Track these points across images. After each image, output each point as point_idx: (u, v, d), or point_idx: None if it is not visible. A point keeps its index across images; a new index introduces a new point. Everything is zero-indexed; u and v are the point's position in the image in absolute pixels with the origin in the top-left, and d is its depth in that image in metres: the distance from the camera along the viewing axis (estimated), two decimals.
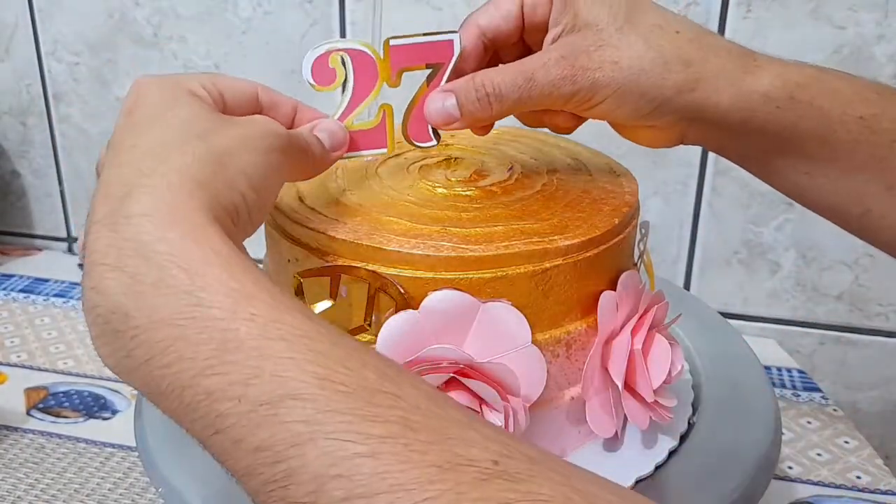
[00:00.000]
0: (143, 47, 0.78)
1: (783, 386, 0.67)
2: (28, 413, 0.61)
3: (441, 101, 0.40)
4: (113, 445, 0.58)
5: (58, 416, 0.61)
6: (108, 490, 0.54)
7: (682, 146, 0.43)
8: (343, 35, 0.74)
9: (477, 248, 0.37)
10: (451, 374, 0.36)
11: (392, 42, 0.40)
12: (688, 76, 0.39)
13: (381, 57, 0.40)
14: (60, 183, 0.86)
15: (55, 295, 0.78)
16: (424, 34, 0.40)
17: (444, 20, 0.71)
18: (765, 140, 0.41)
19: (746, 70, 0.39)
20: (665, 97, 0.39)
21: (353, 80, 0.40)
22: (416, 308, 0.37)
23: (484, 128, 0.43)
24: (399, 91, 0.41)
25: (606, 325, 0.39)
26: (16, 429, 0.59)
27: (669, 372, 0.41)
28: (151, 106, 0.32)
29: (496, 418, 0.36)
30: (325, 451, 0.23)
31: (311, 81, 0.40)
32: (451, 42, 0.40)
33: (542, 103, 0.40)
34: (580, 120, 0.43)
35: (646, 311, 0.41)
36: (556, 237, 0.39)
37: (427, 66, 0.41)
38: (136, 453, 0.49)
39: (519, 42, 0.43)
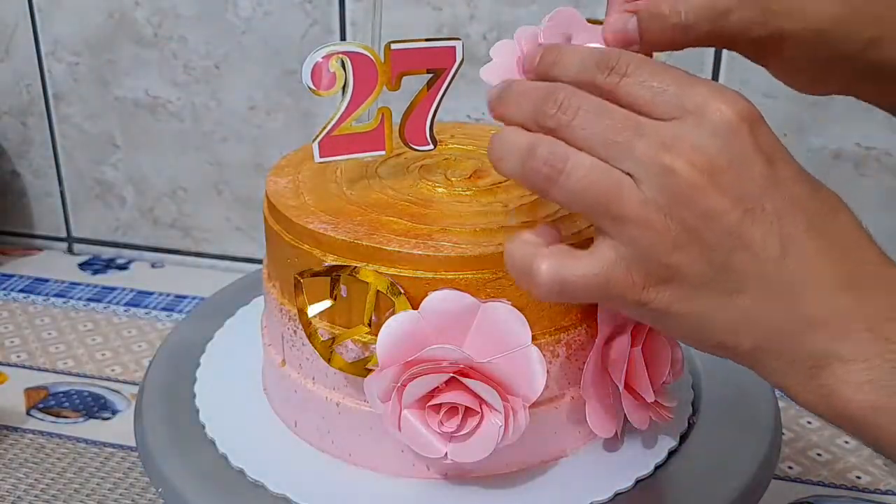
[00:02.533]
0: (143, 47, 0.78)
1: None
2: (28, 413, 0.61)
3: (622, 23, 0.37)
4: (113, 445, 0.58)
5: (58, 416, 0.61)
6: (108, 490, 0.54)
7: None
8: (343, 35, 0.74)
9: (477, 248, 0.37)
10: (451, 374, 0.36)
11: (394, 46, 0.40)
12: (876, 32, 0.37)
13: (382, 60, 0.40)
14: (60, 183, 0.86)
15: (55, 295, 0.78)
16: (427, 39, 0.40)
17: (445, 20, 0.71)
18: None
19: None
20: (849, 53, 0.37)
21: (352, 83, 0.40)
22: (416, 308, 0.37)
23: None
24: (398, 94, 0.41)
25: (606, 325, 0.39)
26: (16, 429, 0.59)
27: (669, 372, 0.41)
28: None
29: (496, 418, 0.36)
30: None
31: (311, 86, 0.40)
32: (453, 49, 0.40)
33: (725, 44, 0.37)
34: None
35: None
36: None
37: (428, 72, 0.41)
38: (136, 453, 0.49)
39: None
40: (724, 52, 0.67)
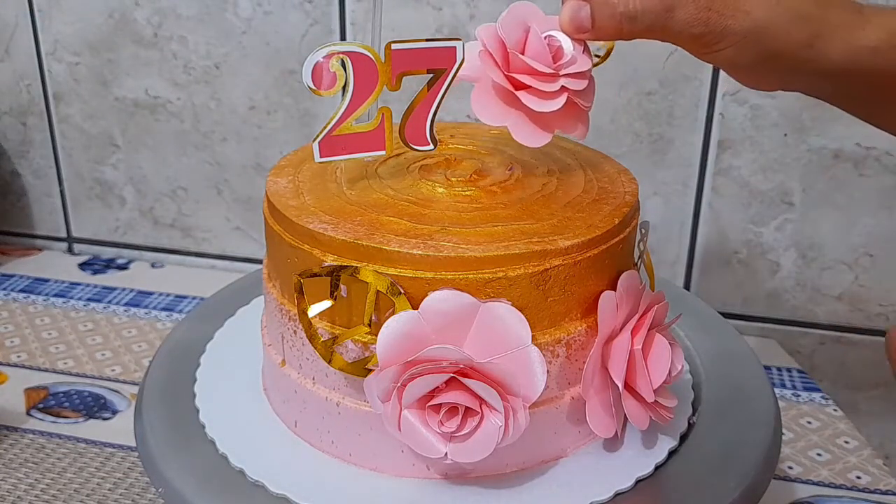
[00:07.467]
0: (143, 47, 0.78)
1: (783, 386, 0.67)
2: (28, 413, 0.61)
3: (577, 10, 0.40)
4: (113, 445, 0.58)
5: (58, 416, 0.61)
6: (108, 490, 0.54)
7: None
8: (343, 35, 0.74)
9: (477, 248, 0.37)
10: (451, 374, 0.36)
11: (394, 46, 0.40)
12: (808, 32, 0.39)
13: (382, 60, 0.40)
14: (60, 183, 0.86)
15: (55, 295, 0.78)
16: (427, 39, 0.40)
17: (445, 20, 0.71)
18: (870, 86, 0.42)
19: (856, 26, 0.40)
20: (785, 51, 0.40)
21: (353, 83, 0.40)
22: (416, 308, 0.37)
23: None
24: (398, 94, 0.41)
25: (606, 325, 0.39)
26: (16, 429, 0.59)
27: (669, 372, 0.41)
28: None
29: (496, 418, 0.36)
30: None
31: (312, 86, 0.40)
32: (453, 49, 0.40)
33: (669, 38, 0.40)
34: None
35: (646, 311, 0.41)
36: (556, 237, 0.39)
37: (428, 72, 0.41)
38: (136, 453, 0.49)
39: None
40: None
